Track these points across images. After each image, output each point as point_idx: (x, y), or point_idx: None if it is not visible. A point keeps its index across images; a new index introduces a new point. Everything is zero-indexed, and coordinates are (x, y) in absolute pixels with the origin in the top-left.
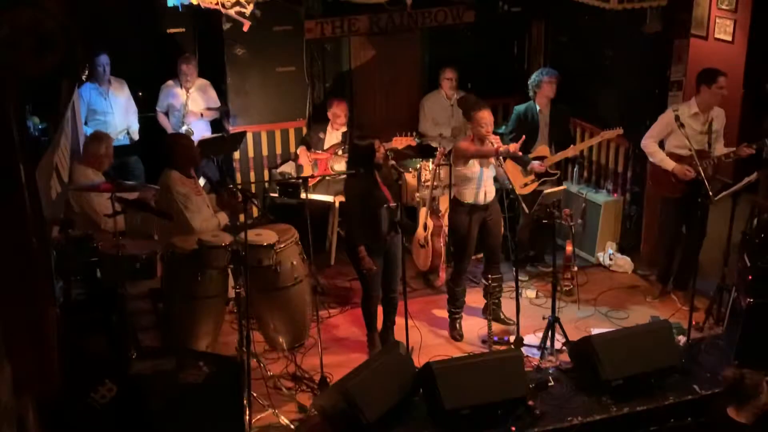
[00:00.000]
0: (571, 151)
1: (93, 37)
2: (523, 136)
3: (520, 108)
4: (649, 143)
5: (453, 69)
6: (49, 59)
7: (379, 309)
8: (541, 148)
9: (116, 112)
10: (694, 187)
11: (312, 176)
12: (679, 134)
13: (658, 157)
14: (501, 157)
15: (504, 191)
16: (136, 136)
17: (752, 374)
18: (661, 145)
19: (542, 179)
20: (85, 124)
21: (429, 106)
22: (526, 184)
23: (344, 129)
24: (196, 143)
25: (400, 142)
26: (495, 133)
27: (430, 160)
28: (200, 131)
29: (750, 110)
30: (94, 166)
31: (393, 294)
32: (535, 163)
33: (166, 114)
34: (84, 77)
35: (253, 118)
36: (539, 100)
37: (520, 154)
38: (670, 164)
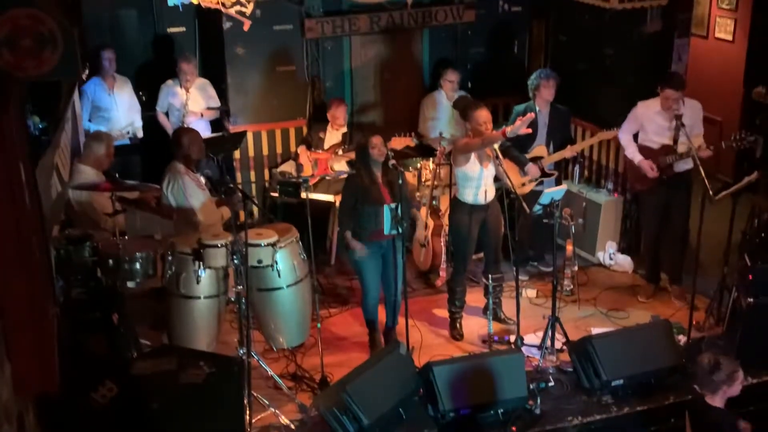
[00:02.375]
0: (568, 152)
1: (95, 34)
2: (531, 114)
3: (519, 108)
4: (621, 136)
5: (455, 71)
6: (49, 59)
7: (382, 309)
8: (539, 148)
9: (120, 109)
10: (666, 181)
11: (312, 176)
12: (649, 129)
13: (629, 151)
14: (500, 156)
15: (504, 191)
16: (140, 134)
17: (728, 361)
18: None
19: (539, 179)
20: (90, 120)
21: (429, 106)
22: (523, 184)
23: (344, 130)
24: None
25: (398, 143)
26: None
27: (431, 159)
28: (200, 131)
29: (750, 110)
30: (94, 165)
31: (394, 295)
32: (531, 165)
33: (166, 114)
34: (84, 76)
35: (253, 118)
36: (538, 102)
37: (529, 130)
38: (637, 157)
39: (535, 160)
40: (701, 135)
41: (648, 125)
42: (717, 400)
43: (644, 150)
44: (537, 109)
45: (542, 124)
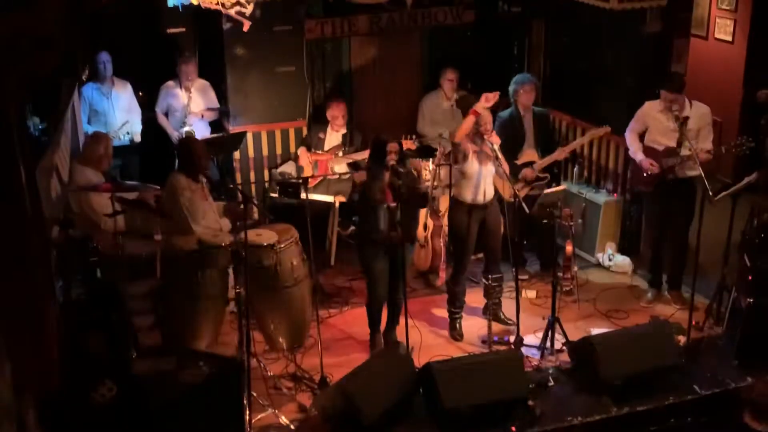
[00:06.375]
0: (561, 154)
1: (93, 37)
2: (497, 93)
3: (503, 114)
4: (627, 135)
5: (454, 70)
6: (49, 60)
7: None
8: (529, 153)
9: (118, 112)
10: (668, 187)
11: (312, 176)
12: (653, 129)
13: (632, 149)
14: (501, 156)
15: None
16: (138, 138)
17: None
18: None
19: (532, 185)
20: (88, 123)
21: (428, 106)
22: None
23: (344, 130)
24: None
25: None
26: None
27: (430, 159)
28: (200, 131)
29: (750, 110)
30: (93, 166)
31: (397, 295)
32: (526, 170)
33: (166, 115)
34: (84, 77)
35: (253, 118)
36: (520, 107)
37: (497, 96)
38: (638, 156)
39: (527, 165)
40: (709, 140)
41: (653, 125)
42: (759, 424)
43: (649, 151)
44: (521, 113)
45: (528, 128)
